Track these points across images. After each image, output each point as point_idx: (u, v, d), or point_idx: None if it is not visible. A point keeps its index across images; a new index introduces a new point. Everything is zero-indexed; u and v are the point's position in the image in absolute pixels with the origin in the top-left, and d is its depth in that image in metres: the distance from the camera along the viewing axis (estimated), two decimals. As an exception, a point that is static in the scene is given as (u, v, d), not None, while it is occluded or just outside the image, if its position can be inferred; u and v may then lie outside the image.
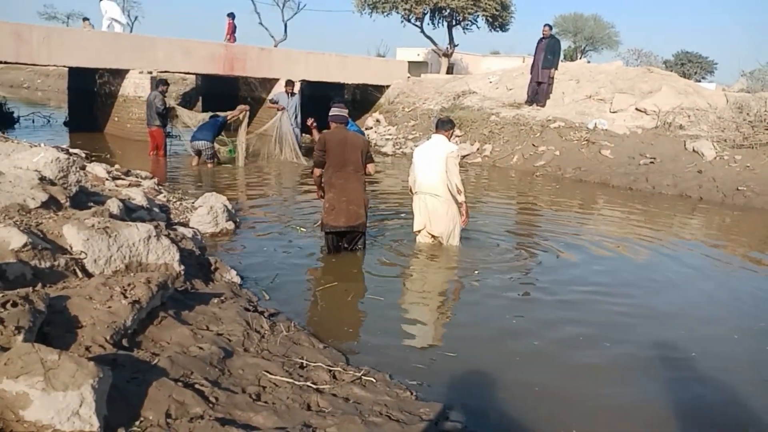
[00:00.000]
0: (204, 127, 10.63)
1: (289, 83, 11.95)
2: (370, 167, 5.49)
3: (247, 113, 11.18)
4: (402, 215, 7.45)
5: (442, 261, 5.80)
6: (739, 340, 4.28)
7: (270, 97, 11.47)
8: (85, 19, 16.94)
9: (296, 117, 11.88)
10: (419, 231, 6.02)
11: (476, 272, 5.42)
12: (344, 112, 5.52)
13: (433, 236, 5.97)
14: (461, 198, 5.74)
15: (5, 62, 12.62)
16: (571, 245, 6.55)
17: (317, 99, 11.29)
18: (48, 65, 14.60)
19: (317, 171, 5.41)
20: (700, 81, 25.25)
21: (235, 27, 18.11)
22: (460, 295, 5.04)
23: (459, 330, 4.22)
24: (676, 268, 6.03)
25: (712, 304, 5.09)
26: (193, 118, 11.21)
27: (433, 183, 5.73)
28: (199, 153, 10.55)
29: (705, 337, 4.29)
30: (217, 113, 11.03)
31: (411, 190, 6.05)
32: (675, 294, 5.29)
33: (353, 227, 5.43)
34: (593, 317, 4.52)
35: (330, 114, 5.50)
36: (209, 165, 10.48)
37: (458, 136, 13.96)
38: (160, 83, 11.08)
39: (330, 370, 3.04)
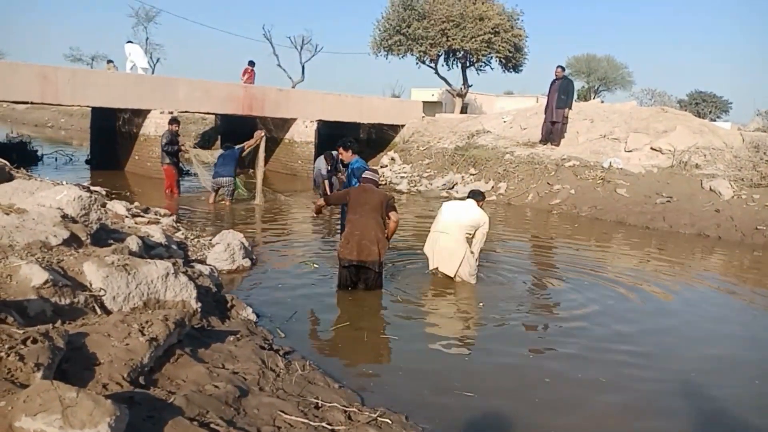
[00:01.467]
0: (225, 162, 10.70)
1: (326, 156, 11.75)
2: (393, 215, 5.58)
3: (264, 140, 11.20)
4: (417, 252, 7.44)
5: (457, 299, 5.78)
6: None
7: (318, 167, 11.94)
8: (109, 61, 17.47)
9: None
10: (433, 271, 6.18)
11: (481, 304, 5.41)
12: (375, 177, 5.88)
13: (441, 273, 6.12)
14: (476, 259, 6.16)
15: (32, 102, 13.01)
16: (591, 285, 6.49)
17: (333, 138, 11.40)
18: (72, 105, 15.01)
19: (325, 203, 5.91)
20: (714, 120, 25.21)
21: (254, 74, 18.41)
22: (476, 333, 5.00)
23: (476, 369, 4.17)
24: (697, 310, 5.93)
25: (734, 348, 4.98)
26: (210, 156, 11.39)
27: (451, 223, 6.05)
28: (217, 189, 10.67)
29: (728, 383, 4.19)
30: (231, 145, 11.15)
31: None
32: (694, 338, 5.19)
33: (364, 262, 5.48)
34: (611, 364, 4.45)
35: (363, 176, 5.84)
36: (226, 202, 10.59)
37: (472, 174, 14.05)
38: (171, 122, 11.35)
39: (345, 411, 3.00)
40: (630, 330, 5.14)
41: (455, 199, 12.94)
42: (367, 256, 5.46)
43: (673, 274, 7.26)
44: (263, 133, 11.33)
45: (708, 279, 7.33)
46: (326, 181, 11.51)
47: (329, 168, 11.52)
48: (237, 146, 10.94)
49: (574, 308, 5.69)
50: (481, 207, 6.23)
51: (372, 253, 5.46)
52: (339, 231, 6.87)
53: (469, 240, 6.11)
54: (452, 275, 6.04)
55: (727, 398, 3.91)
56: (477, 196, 6.36)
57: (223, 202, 10.58)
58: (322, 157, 11.88)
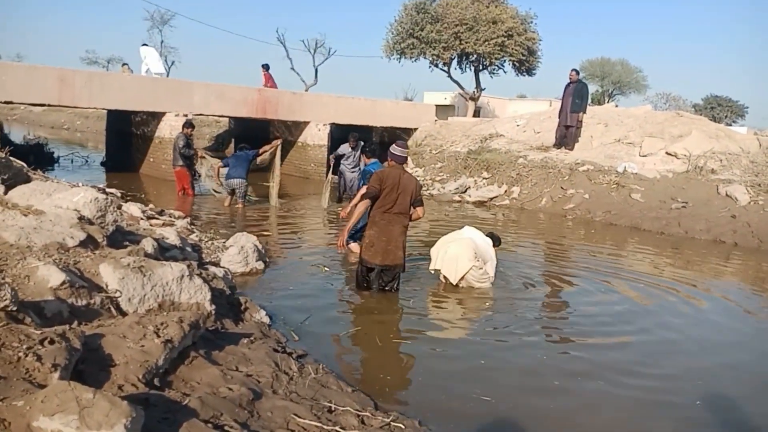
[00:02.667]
0: (237, 163, 10.72)
1: (352, 137, 11.55)
2: (420, 211, 5.62)
3: (280, 148, 11.24)
4: (428, 256, 7.43)
5: (471, 303, 5.75)
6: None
7: (338, 152, 11.59)
8: (124, 64, 17.63)
9: (357, 165, 11.21)
10: (435, 270, 6.21)
11: (496, 308, 5.36)
12: (405, 152, 5.65)
13: (445, 277, 6.12)
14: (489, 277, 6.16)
15: (49, 105, 13.17)
16: (608, 290, 6.46)
17: (346, 141, 11.42)
18: (89, 107, 15.18)
19: (366, 203, 5.50)
20: (730, 125, 24.98)
21: (271, 77, 18.24)
22: (491, 337, 4.96)
23: (491, 374, 4.14)
24: (712, 317, 5.86)
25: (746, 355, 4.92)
26: (216, 163, 11.43)
27: (466, 240, 6.07)
28: (232, 192, 10.71)
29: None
30: (246, 146, 11.17)
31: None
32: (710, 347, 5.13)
33: (389, 266, 5.54)
34: (629, 367, 4.41)
35: (391, 151, 5.62)
36: (239, 205, 10.62)
37: (485, 178, 14.01)
38: (185, 125, 11.43)
39: (358, 415, 3.00)
40: (642, 333, 5.10)
41: (470, 202, 12.94)
42: (392, 260, 5.53)
43: (691, 282, 7.18)
44: (281, 141, 11.41)
45: (727, 287, 7.24)
46: (332, 158, 11.40)
47: (351, 150, 11.26)
48: (252, 150, 10.97)
49: (588, 312, 5.65)
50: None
51: (397, 257, 5.53)
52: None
53: (476, 266, 6.00)
54: (453, 282, 5.99)
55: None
56: (497, 241, 6.47)
57: (237, 205, 10.62)
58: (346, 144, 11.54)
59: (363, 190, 5.75)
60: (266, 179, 11.42)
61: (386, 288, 5.65)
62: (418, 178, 15.21)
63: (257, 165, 11.16)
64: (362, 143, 10.93)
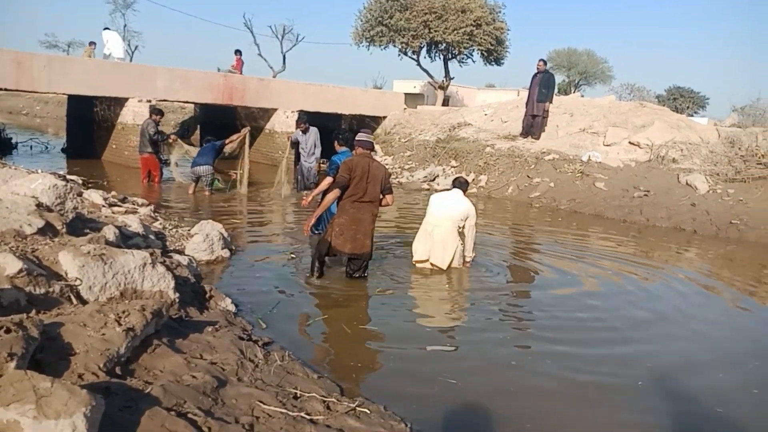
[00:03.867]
0: (203, 152, 10.66)
1: (299, 121, 11.26)
2: (389, 198, 5.65)
3: (248, 136, 11.13)
4: (398, 243, 7.47)
5: (440, 289, 5.83)
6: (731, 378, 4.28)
7: (291, 139, 11.31)
8: (92, 42, 17.14)
9: (313, 152, 10.98)
10: (419, 262, 6.28)
11: (466, 294, 5.46)
12: (371, 138, 5.70)
13: (433, 265, 6.21)
14: (470, 256, 6.36)
15: (5, 89, 12.73)
16: (571, 275, 6.57)
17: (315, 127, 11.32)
18: (48, 93, 14.74)
19: (336, 192, 5.46)
20: (692, 116, 25.57)
21: (242, 63, 18.55)
22: (460, 323, 5.03)
23: (458, 360, 4.20)
24: (673, 301, 6.05)
25: (707, 342, 5.10)
26: (193, 151, 11.27)
27: (445, 217, 6.15)
28: (197, 180, 10.56)
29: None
30: (212, 138, 11.05)
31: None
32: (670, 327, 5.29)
33: (357, 255, 5.58)
34: (591, 350, 4.52)
35: (357, 138, 5.67)
36: (206, 193, 10.49)
37: (454, 167, 14.10)
38: (154, 112, 11.22)
39: (324, 401, 3.01)
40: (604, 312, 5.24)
41: (439, 191, 13.01)
42: (361, 248, 5.56)
43: (650, 268, 7.37)
44: (248, 129, 11.27)
45: (686, 272, 7.47)
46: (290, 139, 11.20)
47: (303, 135, 10.94)
48: (218, 141, 10.85)
49: (557, 295, 5.80)
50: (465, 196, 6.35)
51: (365, 246, 5.56)
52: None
53: (461, 233, 6.22)
54: (444, 267, 6.16)
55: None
56: (463, 185, 6.43)
57: (204, 192, 10.48)
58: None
59: (326, 179, 5.72)
60: (235, 167, 11.27)
61: (354, 275, 5.69)
62: (387, 167, 15.23)
63: (226, 154, 11.04)
64: (314, 128, 10.78)
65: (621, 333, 4.96)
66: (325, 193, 5.68)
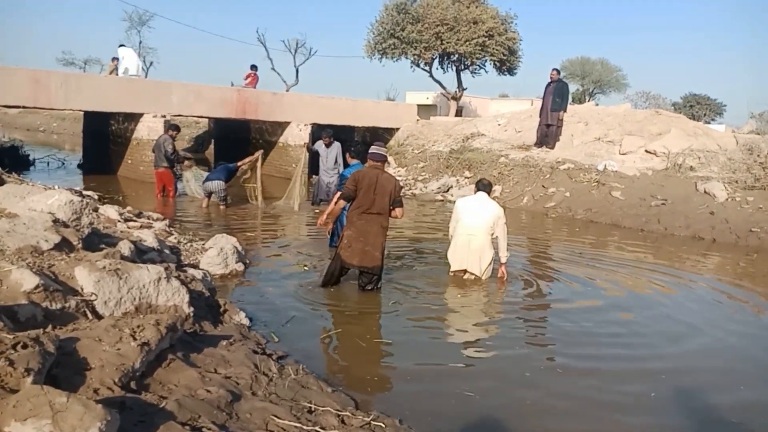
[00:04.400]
0: (217, 170, 10.84)
1: (325, 135, 11.02)
2: (399, 212, 5.59)
3: (261, 159, 11.22)
4: (412, 256, 7.45)
5: (456, 301, 5.77)
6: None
7: (310, 147, 11.33)
8: (114, 58, 17.40)
9: (334, 167, 10.75)
10: (457, 272, 6.34)
11: (482, 306, 5.38)
12: (383, 150, 5.64)
13: (471, 274, 6.28)
14: (505, 257, 6.32)
15: (24, 107, 12.95)
16: (593, 286, 6.51)
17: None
18: (65, 109, 14.97)
19: (342, 203, 5.59)
20: (709, 123, 25.35)
21: (257, 79, 18.73)
22: (477, 336, 4.97)
23: (474, 374, 4.15)
24: (697, 311, 5.94)
25: (729, 352, 4.99)
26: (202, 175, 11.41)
27: (477, 225, 6.19)
28: (209, 195, 10.64)
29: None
30: (223, 163, 11.25)
31: (450, 237, 6.44)
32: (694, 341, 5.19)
33: (366, 268, 5.54)
34: (613, 364, 4.45)
35: (369, 151, 5.64)
36: (221, 207, 10.56)
37: (467, 177, 14.06)
38: (170, 128, 11.36)
39: (338, 415, 2.98)
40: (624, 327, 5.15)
41: (462, 196, 12.95)
42: (370, 262, 5.51)
43: (671, 277, 7.26)
44: (261, 152, 11.37)
45: (708, 280, 7.35)
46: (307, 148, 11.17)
47: (325, 149, 10.80)
48: (232, 164, 11.00)
49: (579, 308, 5.73)
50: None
51: (375, 259, 5.51)
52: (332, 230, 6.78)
53: (493, 238, 6.29)
54: (480, 275, 6.23)
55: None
56: (487, 187, 6.44)
57: (221, 206, 10.57)
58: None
59: (337, 195, 5.85)
60: (248, 181, 11.35)
61: (366, 288, 5.66)
62: (400, 178, 15.22)
63: (239, 176, 11.20)
64: (338, 143, 10.74)
65: (650, 348, 4.85)
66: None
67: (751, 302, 6.46)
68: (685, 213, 10.62)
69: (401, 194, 5.64)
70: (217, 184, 10.53)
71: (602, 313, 5.64)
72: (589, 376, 4.12)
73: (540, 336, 5.03)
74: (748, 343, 5.15)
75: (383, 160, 5.64)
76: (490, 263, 6.30)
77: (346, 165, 7.71)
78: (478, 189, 6.45)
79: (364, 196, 5.40)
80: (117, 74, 16.62)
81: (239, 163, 11.06)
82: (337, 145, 10.80)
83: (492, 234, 6.24)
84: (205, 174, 11.40)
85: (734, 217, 10.17)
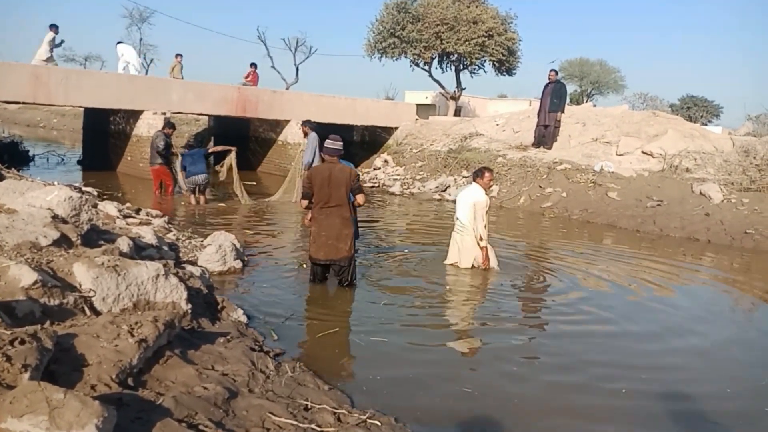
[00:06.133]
0: (195, 161, 10.78)
1: (303, 124, 10.86)
2: (359, 198, 5.62)
3: (234, 158, 11.25)
4: (405, 252, 7.48)
5: (453, 300, 5.80)
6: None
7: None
8: (178, 55, 17.49)
9: (311, 156, 10.43)
10: (451, 264, 6.73)
11: (478, 304, 5.41)
12: (338, 144, 5.59)
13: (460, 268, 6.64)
14: (482, 243, 6.52)
15: (24, 102, 12.95)
16: (587, 283, 6.53)
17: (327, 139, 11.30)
18: (65, 105, 14.95)
19: (303, 202, 5.75)
20: (706, 125, 25.41)
21: (258, 77, 18.77)
22: (473, 335, 4.99)
23: (472, 371, 4.19)
24: (692, 311, 5.98)
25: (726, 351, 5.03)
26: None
27: (459, 217, 6.61)
28: (195, 188, 10.68)
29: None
30: (193, 145, 11.34)
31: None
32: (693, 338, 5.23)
33: (333, 260, 5.60)
34: (611, 357, 4.48)
35: (324, 145, 5.65)
36: (199, 198, 10.71)
37: (465, 177, 14.09)
38: (166, 125, 11.42)
39: (335, 413, 3.01)
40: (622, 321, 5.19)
41: (451, 198, 13.00)
42: (335, 254, 5.57)
43: (666, 278, 7.30)
44: (235, 149, 11.33)
45: (702, 281, 7.38)
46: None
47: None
48: (202, 148, 11.17)
49: (571, 305, 5.76)
50: (485, 182, 6.54)
51: (340, 251, 5.56)
52: None
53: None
54: (469, 266, 6.60)
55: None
56: (476, 174, 6.63)
57: (200, 198, 10.74)
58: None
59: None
60: (229, 183, 11.41)
61: (342, 284, 5.70)
62: (399, 177, 15.25)
63: (218, 175, 11.38)
64: (314, 134, 10.45)
65: (636, 343, 4.90)
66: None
67: (745, 303, 6.50)
68: (681, 214, 10.66)
69: (358, 182, 5.59)
70: (203, 178, 10.68)
71: (592, 314, 5.68)
72: (579, 376, 4.16)
73: (537, 330, 5.06)
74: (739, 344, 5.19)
75: (336, 154, 5.57)
76: (477, 256, 6.58)
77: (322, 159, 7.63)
78: (473, 177, 6.72)
79: (319, 191, 5.47)
80: (175, 73, 16.78)
81: (211, 149, 11.36)
82: (311, 137, 10.39)
83: (480, 236, 6.49)
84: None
85: (729, 219, 10.21)
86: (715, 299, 6.70)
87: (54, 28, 14.37)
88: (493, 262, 6.64)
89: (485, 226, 6.48)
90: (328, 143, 5.58)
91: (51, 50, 14.27)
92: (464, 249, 6.61)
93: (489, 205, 6.64)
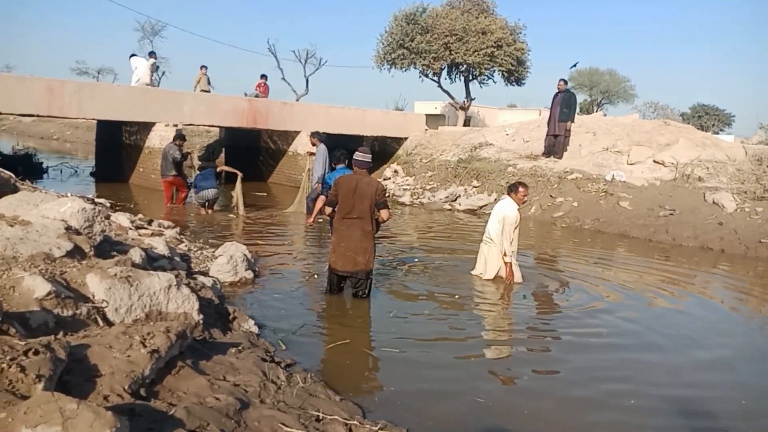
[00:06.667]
0: (205, 177, 10.93)
1: (311, 135, 11.23)
2: (383, 214, 5.58)
3: (240, 182, 11.36)
4: (416, 262, 7.46)
5: (464, 310, 5.76)
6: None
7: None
8: (203, 66, 17.56)
9: (323, 169, 10.57)
10: (477, 275, 6.81)
11: (500, 325, 5.38)
12: (367, 157, 5.62)
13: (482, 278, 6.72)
14: (506, 259, 6.53)
15: (38, 115, 13.11)
16: (600, 294, 6.48)
17: (335, 150, 11.34)
18: (78, 118, 15.14)
19: (328, 209, 5.79)
20: (717, 133, 25.24)
21: (268, 88, 18.91)
22: (486, 348, 4.95)
23: (484, 382, 4.14)
24: (704, 323, 5.91)
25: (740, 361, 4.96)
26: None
27: (489, 234, 6.67)
28: (204, 204, 10.78)
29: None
30: (206, 165, 11.40)
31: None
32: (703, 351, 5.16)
33: (350, 272, 5.59)
34: (624, 372, 4.44)
35: (353, 158, 5.66)
36: (208, 211, 10.80)
37: (475, 187, 14.07)
38: (177, 137, 11.53)
39: (346, 424, 3.00)
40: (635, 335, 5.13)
41: (461, 208, 12.97)
42: (354, 266, 5.54)
43: (680, 287, 7.23)
44: (241, 175, 11.41)
45: (717, 291, 7.30)
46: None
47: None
48: (212, 167, 11.28)
49: (589, 316, 5.70)
50: (519, 197, 6.58)
51: (358, 263, 5.53)
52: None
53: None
54: (492, 278, 6.66)
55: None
56: (511, 188, 6.71)
57: (206, 210, 10.84)
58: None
59: (320, 198, 6.37)
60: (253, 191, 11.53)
61: (358, 294, 5.67)
62: (409, 187, 15.26)
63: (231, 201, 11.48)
64: (323, 146, 10.58)
65: (645, 352, 4.85)
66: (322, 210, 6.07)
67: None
68: (694, 223, 10.56)
69: (384, 197, 5.60)
70: (214, 192, 10.84)
71: (610, 323, 5.62)
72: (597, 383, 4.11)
73: (548, 340, 5.02)
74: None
75: (366, 166, 5.62)
76: (499, 269, 6.59)
77: (332, 169, 7.78)
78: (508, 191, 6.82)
79: (343, 201, 5.48)
80: (201, 86, 16.95)
81: (219, 168, 11.45)
82: (320, 149, 10.61)
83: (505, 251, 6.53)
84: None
85: (743, 228, 10.11)
86: (731, 311, 6.61)
87: (153, 55, 16.78)
88: (517, 277, 6.61)
89: (512, 242, 6.48)
90: (358, 155, 5.60)
91: (152, 74, 15.70)
92: (490, 260, 6.65)
93: (519, 220, 6.62)
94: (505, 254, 6.48)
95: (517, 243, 6.67)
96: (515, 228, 6.51)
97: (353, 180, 5.50)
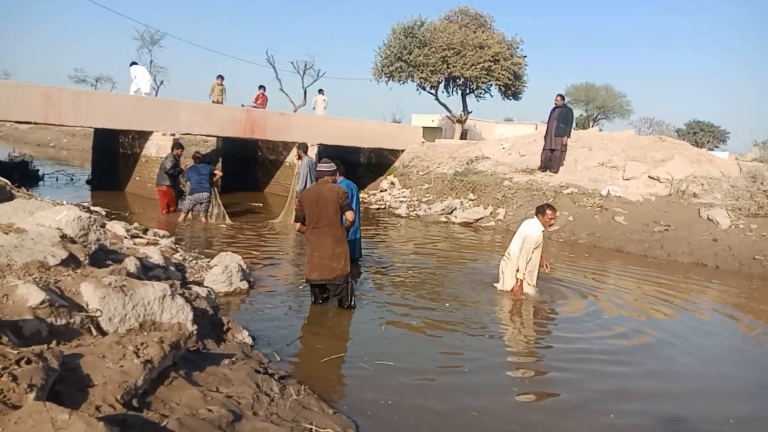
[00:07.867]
0: (201, 179, 10.87)
1: (298, 147, 11.10)
2: (348, 215, 5.65)
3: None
4: (414, 275, 7.46)
5: (462, 323, 5.74)
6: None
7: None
8: (219, 76, 17.48)
9: (304, 182, 10.53)
10: (500, 290, 6.85)
11: (500, 337, 5.38)
12: (325, 166, 5.74)
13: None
14: (518, 275, 6.61)
15: (35, 123, 13.11)
16: (601, 308, 6.49)
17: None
18: (75, 126, 15.13)
19: (296, 225, 5.84)
20: (712, 150, 25.41)
21: (266, 99, 18.93)
22: (482, 362, 4.91)
23: (479, 395, 4.12)
24: (699, 342, 5.92)
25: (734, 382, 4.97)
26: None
27: (509, 250, 6.76)
28: (193, 207, 10.80)
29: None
30: (202, 159, 11.35)
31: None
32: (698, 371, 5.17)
33: (327, 280, 5.64)
34: (620, 383, 4.43)
35: (317, 169, 5.81)
36: (202, 218, 10.75)
37: (471, 200, 14.10)
38: (175, 146, 11.54)
39: (339, 437, 2.98)
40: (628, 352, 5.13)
41: (457, 221, 12.98)
42: (330, 273, 5.60)
43: (675, 305, 7.24)
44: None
45: (711, 308, 7.31)
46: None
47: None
48: (209, 165, 11.22)
49: (588, 331, 5.70)
50: (546, 220, 6.57)
51: (334, 270, 5.59)
52: None
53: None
54: (508, 290, 6.73)
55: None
56: (538, 209, 6.72)
57: (198, 218, 10.76)
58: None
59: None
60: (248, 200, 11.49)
61: (342, 305, 5.73)
62: (405, 199, 15.28)
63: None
64: (307, 157, 10.61)
65: (641, 367, 4.85)
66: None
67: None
68: (688, 239, 10.60)
69: (346, 199, 5.64)
70: (206, 196, 10.80)
71: (608, 342, 5.62)
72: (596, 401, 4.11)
73: (544, 355, 5.02)
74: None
75: (329, 174, 5.74)
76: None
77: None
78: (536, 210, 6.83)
79: (309, 211, 5.55)
80: (215, 96, 16.95)
81: (215, 171, 11.33)
82: (304, 161, 10.67)
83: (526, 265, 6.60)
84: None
85: (737, 245, 10.15)
86: (732, 325, 6.63)
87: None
88: (531, 294, 6.66)
89: (529, 261, 6.56)
90: (320, 166, 5.76)
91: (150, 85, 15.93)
92: (506, 274, 6.78)
93: (542, 242, 6.71)
94: (517, 270, 6.58)
95: (536, 263, 6.69)
96: (535, 248, 6.58)
97: (315, 190, 5.62)
